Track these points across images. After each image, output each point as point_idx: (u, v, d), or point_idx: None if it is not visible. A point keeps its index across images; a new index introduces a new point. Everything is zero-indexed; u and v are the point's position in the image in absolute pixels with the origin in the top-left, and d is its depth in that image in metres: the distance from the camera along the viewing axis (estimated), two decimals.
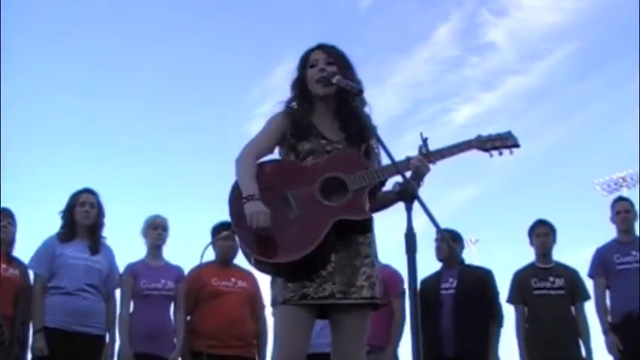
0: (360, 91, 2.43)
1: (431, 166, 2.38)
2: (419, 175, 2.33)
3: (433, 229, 2.05)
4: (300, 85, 2.56)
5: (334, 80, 2.42)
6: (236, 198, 2.38)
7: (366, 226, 2.40)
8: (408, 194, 2.02)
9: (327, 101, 2.54)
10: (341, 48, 2.58)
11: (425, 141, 2.39)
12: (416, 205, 2.00)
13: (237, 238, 2.42)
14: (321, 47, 2.57)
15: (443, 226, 3.03)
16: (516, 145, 2.48)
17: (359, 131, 2.49)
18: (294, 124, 2.51)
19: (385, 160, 2.41)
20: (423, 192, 2.32)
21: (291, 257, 2.29)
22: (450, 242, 4.51)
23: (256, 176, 2.40)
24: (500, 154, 2.47)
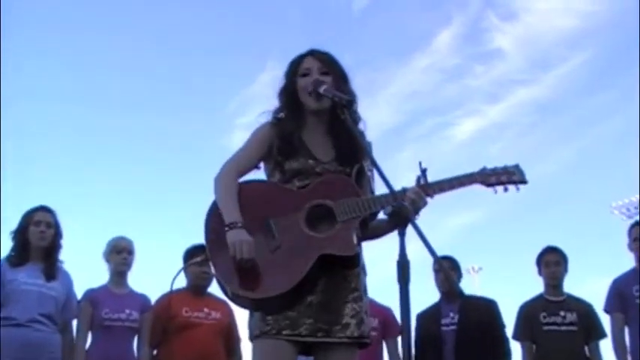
0: (350, 103, 2.44)
1: (428, 199, 2.39)
2: (415, 209, 2.34)
3: (429, 257, 2.06)
4: (289, 95, 2.56)
5: (321, 90, 2.43)
6: (213, 220, 2.37)
7: (353, 262, 2.40)
8: (401, 218, 2.03)
9: (319, 115, 2.54)
10: (334, 55, 2.59)
11: (424, 172, 2.41)
12: (410, 230, 2.00)
13: (211, 267, 2.40)
14: (313, 54, 2.58)
15: (440, 253, 3.03)
16: (523, 182, 2.51)
17: (351, 151, 2.50)
18: (282, 138, 2.51)
19: (379, 185, 2.39)
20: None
21: (271, 292, 2.29)
22: (448, 272, 4.53)
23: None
24: (506, 190, 2.49)
